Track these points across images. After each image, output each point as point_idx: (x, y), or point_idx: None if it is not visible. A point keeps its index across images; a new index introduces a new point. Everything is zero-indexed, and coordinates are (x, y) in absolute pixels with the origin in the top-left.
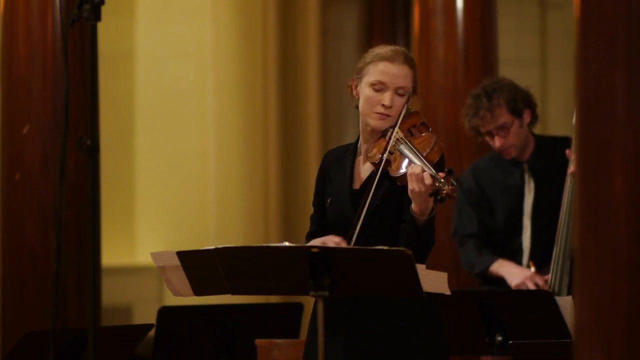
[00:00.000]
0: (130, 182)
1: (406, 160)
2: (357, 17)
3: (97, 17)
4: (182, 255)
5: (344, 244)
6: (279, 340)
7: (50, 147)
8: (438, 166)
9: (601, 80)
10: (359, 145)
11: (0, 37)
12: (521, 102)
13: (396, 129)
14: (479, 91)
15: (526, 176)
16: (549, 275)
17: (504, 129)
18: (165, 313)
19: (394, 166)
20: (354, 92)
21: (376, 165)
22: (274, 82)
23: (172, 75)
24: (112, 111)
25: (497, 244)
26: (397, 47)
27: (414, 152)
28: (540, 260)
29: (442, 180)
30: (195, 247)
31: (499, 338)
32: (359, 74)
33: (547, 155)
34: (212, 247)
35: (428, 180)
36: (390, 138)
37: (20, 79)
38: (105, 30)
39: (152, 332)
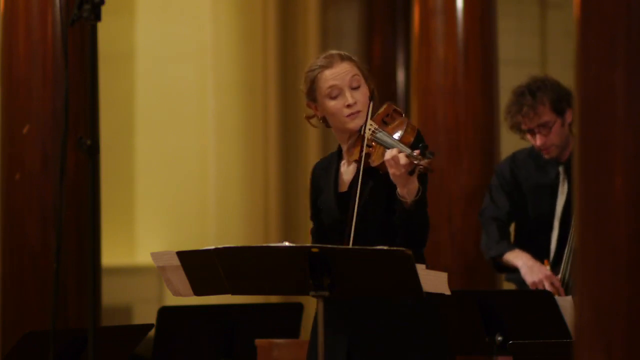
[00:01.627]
0: (130, 182)
1: (384, 148)
2: (357, 17)
3: (97, 17)
4: (182, 255)
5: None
6: (279, 340)
7: (50, 147)
8: (415, 145)
9: (601, 80)
10: (342, 152)
11: (0, 37)
12: (565, 102)
13: (367, 122)
14: (523, 89)
15: (561, 177)
16: (560, 275)
17: (546, 127)
18: (165, 313)
19: (374, 157)
20: (318, 115)
21: (358, 162)
22: (274, 82)
23: (172, 76)
24: (112, 111)
25: (525, 239)
26: (328, 52)
27: (389, 137)
28: (557, 263)
29: (418, 156)
30: (195, 247)
31: (499, 338)
32: (311, 96)
33: None
34: (212, 247)
35: (403, 160)
36: (364, 133)
37: (20, 79)
38: (105, 30)
39: (152, 332)
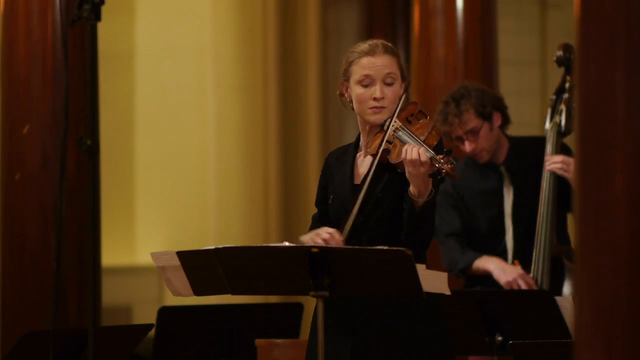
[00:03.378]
0: (130, 182)
1: (404, 145)
2: (357, 17)
3: (97, 17)
4: (182, 255)
5: (337, 235)
6: (279, 340)
7: (50, 147)
8: (437, 149)
9: (601, 80)
10: (360, 142)
11: (0, 37)
12: (490, 106)
13: (394, 118)
14: (448, 98)
15: (504, 178)
16: (531, 275)
17: (473, 133)
18: (165, 313)
19: (393, 154)
20: (346, 95)
21: (374, 156)
22: (274, 82)
23: (172, 75)
24: (112, 111)
25: (481, 246)
26: (375, 40)
27: (413, 137)
28: (523, 260)
29: (442, 160)
30: (196, 247)
31: (499, 338)
32: (345, 76)
33: (523, 156)
34: (212, 247)
35: (424, 157)
36: (388, 128)
37: (20, 79)
38: (105, 30)
39: (152, 332)
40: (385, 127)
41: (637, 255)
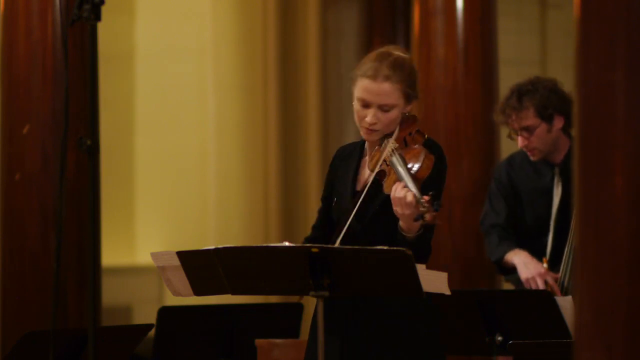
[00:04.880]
0: (130, 182)
1: (396, 177)
2: (357, 17)
3: (97, 17)
4: (182, 255)
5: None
6: (279, 340)
7: (50, 147)
8: (428, 182)
9: (601, 80)
10: (365, 146)
11: (0, 37)
12: (552, 108)
13: (391, 141)
14: (515, 88)
15: (556, 179)
16: (559, 274)
17: (528, 130)
18: (165, 313)
19: (387, 181)
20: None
21: (372, 172)
22: (274, 82)
23: (172, 75)
24: (112, 111)
25: (524, 241)
26: (383, 60)
27: (404, 167)
28: (559, 262)
29: (426, 204)
30: (195, 247)
31: (499, 338)
32: (353, 82)
33: None
34: (212, 247)
35: (410, 202)
36: (383, 151)
37: (20, 79)
38: (105, 30)
39: (152, 332)
40: (382, 147)
41: (637, 255)
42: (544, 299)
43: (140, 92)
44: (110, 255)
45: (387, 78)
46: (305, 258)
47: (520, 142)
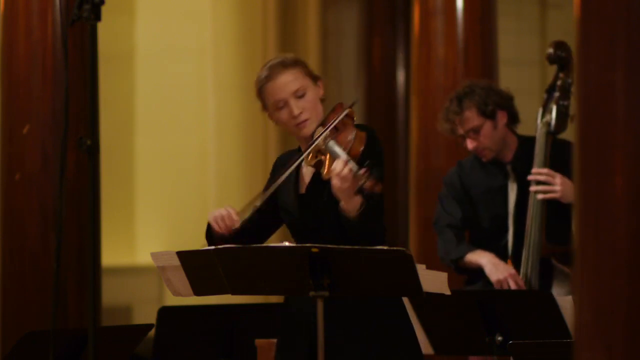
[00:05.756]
0: (130, 182)
1: (333, 159)
2: (357, 17)
3: (97, 17)
4: (182, 255)
5: (233, 216)
6: None
7: (50, 147)
8: (364, 158)
9: (601, 80)
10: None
11: (0, 37)
12: (493, 105)
13: (321, 128)
14: (453, 95)
15: (509, 177)
16: (521, 275)
17: (475, 131)
18: (165, 313)
19: (325, 168)
20: (275, 122)
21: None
22: None
23: (172, 75)
24: (112, 111)
25: (483, 243)
26: (271, 62)
27: (339, 148)
28: (520, 258)
29: (363, 176)
30: (196, 247)
31: (499, 338)
32: (264, 106)
33: (531, 156)
34: (212, 247)
35: (347, 174)
36: (315, 142)
37: (20, 79)
38: (105, 30)
39: (152, 332)
40: (314, 138)
41: (637, 255)
42: (544, 299)
43: (140, 92)
44: (110, 255)
45: (280, 71)
46: (305, 258)
47: (469, 145)
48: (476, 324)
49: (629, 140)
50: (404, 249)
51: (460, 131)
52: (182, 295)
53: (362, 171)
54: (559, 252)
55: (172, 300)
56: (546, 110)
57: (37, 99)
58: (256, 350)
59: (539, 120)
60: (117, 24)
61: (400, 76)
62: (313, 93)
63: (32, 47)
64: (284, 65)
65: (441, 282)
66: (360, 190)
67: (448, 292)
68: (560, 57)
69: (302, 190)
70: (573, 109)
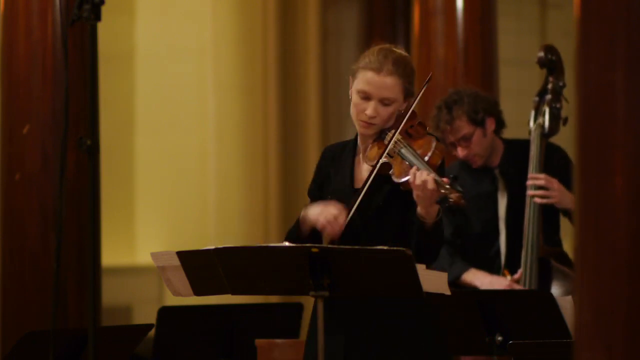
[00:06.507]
0: (130, 182)
1: (408, 165)
2: (357, 17)
3: (97, 17)
4: (182, 255)
5: (341, 219)
6: (279, 340)
7: (50, 147)
8: (440, 170)
9: (601, 80)
10: (358, 144)
11: (0, 37)
12: (482, 112)
13: (397, 133)
14: (441, 104)
15: (498, 182)
16: (520, 276)
17: (465, 139)
18: (165, 313)
19: (396, 171)
20: (350, 91)
21: (373, 166)
22: (274, 82)
23: (172, 75)
24: (112, 111)
25: (475, 249)
26: (387, 55)
27: (416, 156)
28: (517, 263)
29: (448, 186)
30: (195, 247)
31: (499, 338)
32: (353, 75)
33: (518, 159)
34: (212, 247)
35: (431, 185)
36: (389, 142)
37: (20, 79)
38: (105, 30)
39: (152, 332)
40: (386, 141)
41: (637, 255)
42: (544, 299)
43: (140, 92)
44: (110, 255)
45: (391, 72)
46: (305, 258)
47: (460, 152)
48: (476, 324)
49: (629, 140)
50: (404, 249)
51: (451, 139)
52: (182, 295)
53: (444, 181)
54: (556, 253)
55: (172, 300)
56: (538, 112)
57: (37, 99)
58: (256, 350)
59: (531, 124)
60: (117, 24)
61: None
62: (396, 107)
63: (32, 47)
64: (395, 69)
65: (441, 282)
66: (443, 201)
67: (448, 292)
68: (550, 61)
69: (357, 185)
70: (564, 111)
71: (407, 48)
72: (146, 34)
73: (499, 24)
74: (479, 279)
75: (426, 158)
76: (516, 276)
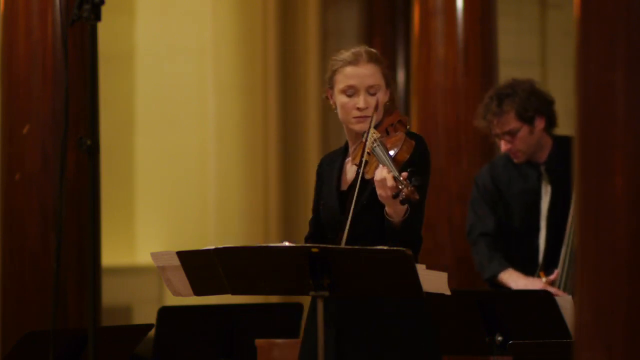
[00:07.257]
0: (130, 182)
1: (378, 163)
2: (357, 18)
3: (97, 17)
4: (182, 255)
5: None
6: (279, 340)
7: (50, 147)
8: (408, 165)
9: (601, 80)
10: (349, 148)
11: (0, 37)
12: (532, 110)
13: (371, 130)
14: (493, 93)
15: (543, 178)
16: (557, 275)
17: (511, 134)
18: (165, 313)
19: (368, 169)
20: (331, 102)
21: (357, 166)
22: (274, 82)
23: (172, 75)
24: (112, 111)
25: (514, 244)
26: (358, 49)
27: (385, 153)
28: (555, 262)
29: (403, 181)
30: (195, 247)
31: (499, 338)
32: (330, 84)
33: (565, 157)
34: (212, 247)
35: (390, 183)
36: (366, 140)
37: (20, 79)
38: (105, 30)
39: (152, 332)
40: (364, 138)
41: (637, 255)
42: (544, 299)
43: (140, 92)
44: (110, 255)
45: (367, 60)
46: (305, 258)
47: (503, 146)
48: (476, 324)
49: (629, 140)
50: (404, 249)
51: (497, 131)
52: (182, 295)
53: (402, 177)
54: None
55: (172, 300)
56: None
57: (37, 99)
58: (256, 350)
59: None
60: (117, 24)
61: (400, 76)
62: (382, 95)
63: (32, 47)
64: (370, 57)
65: (441, 282)
66: (396, 196)
67: (448, 292)
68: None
69: (344, 187)
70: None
71: (407, 48)
72: (146, 34)
73: (499, 24)
74: (514, 280)
75: (392, 153)
76: (552, 277)
